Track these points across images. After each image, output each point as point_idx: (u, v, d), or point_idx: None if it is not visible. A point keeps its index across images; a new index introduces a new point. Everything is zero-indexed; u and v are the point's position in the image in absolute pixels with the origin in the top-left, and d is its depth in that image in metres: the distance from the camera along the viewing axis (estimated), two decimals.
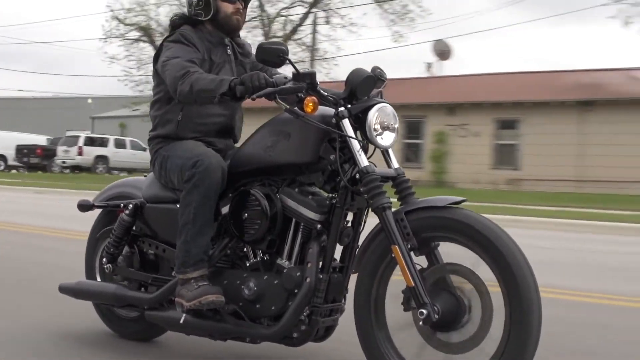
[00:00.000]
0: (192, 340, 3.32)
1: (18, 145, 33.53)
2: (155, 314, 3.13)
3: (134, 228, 3.35)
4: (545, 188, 21.16)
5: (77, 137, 31.72)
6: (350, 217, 2.84)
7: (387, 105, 2.75)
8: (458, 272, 2.52)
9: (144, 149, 32.37)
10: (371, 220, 2.77)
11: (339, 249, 2.81)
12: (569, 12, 76.19)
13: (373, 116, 2.69)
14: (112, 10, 30.57)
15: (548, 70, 27.14)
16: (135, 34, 31.08)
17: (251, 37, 28.12)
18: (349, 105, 2.72)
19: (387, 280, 2.72)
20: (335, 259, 2.84)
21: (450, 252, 2.59)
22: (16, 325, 3.71)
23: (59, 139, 33.63)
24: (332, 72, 28.58)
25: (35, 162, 32.97)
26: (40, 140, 35.57)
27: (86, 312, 3.72)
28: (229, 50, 3.21)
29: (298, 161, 2.80)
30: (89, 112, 51.04)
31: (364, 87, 2.72)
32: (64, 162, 31.46)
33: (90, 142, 31.72)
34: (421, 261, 2.61)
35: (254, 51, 2.83)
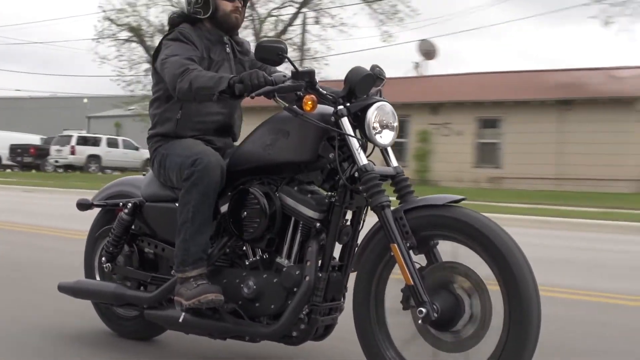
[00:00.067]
0: (191, 339, 3.32)
1: (12, 145, 33.60)
2: (154, 312, 3.13)
3: (133, 227, 3.35)
4: (526, 186, 21.27)
5: (70, 136, 31.71)
6: (349, 215, 2.84)
7: (387, 103, 2.75)
8: (457, 271, 2.52)
9: (137, 148, 32.33)
10: (370, 219, 2.77)
11: (338, 248, 2.81)
12: (549, 12, 76.52)
13: (372, 114, 2.68)
14: (104, 11, 30.65)
15: (529, 69, 27.25)
16: (126, 34, 31.10)
17: (242, 37, 28.08)
18: (348, 104, 2.72)
19: (386, 279, 2.72)
20: (335, 258, 2.84)
21: (449, 250, 2.60)
22: (15, 324, 3.70)
23: (52, 138, 33.59)
24: (323, 72, 28.62)
25: (28, 162, 32.95)
26: (34, 139, 35.62)
27: (85, 311, 3.71)
28: (227, 49, 3.20)
29: (297, 159, 2.80)
30: (85, 111, 51.04)
31: (363, 85, 2.72)
32: (56, 162, 31.46)
33: (82, 141, 31.77)
34: (420, 260, 2.62)
35: (252, 49, 2.83)
